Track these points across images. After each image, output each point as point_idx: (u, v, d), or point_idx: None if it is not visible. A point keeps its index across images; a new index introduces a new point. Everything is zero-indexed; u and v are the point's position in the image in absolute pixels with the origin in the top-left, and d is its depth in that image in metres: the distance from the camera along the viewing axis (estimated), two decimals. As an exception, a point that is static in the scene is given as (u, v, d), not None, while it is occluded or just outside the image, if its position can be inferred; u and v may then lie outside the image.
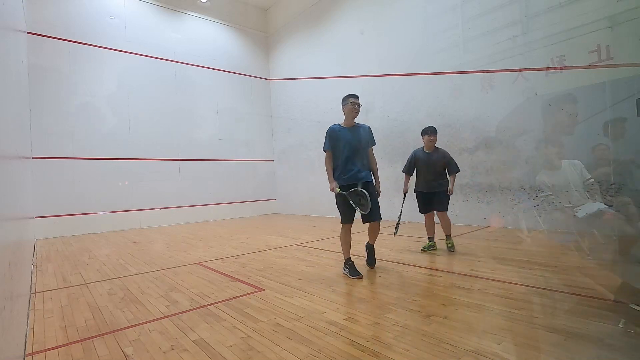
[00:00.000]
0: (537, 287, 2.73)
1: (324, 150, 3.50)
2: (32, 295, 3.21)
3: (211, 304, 2.71)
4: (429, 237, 4.32)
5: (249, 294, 2.94)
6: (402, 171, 4.31)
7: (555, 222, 5.10)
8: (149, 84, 8.80)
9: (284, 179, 11.01)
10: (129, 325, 2.37)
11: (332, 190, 3.38)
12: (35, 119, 7.10)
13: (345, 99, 3.46)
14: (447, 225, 4.17)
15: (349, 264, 3.38)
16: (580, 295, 2.52)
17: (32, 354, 2.02)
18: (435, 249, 4.23)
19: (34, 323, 2.51)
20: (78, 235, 7.47)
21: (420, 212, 4.30)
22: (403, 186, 4.26)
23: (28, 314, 2.70)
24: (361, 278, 3.21)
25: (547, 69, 4.99)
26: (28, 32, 6.99)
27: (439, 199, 4.12)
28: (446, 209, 4.14)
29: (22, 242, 3.05)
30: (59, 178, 7.41)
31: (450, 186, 4.08)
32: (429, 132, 4.14)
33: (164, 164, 8.96)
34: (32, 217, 6.48)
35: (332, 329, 2.14)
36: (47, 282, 3.63)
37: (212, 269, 3.89)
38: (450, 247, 4.15)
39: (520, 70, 5.32)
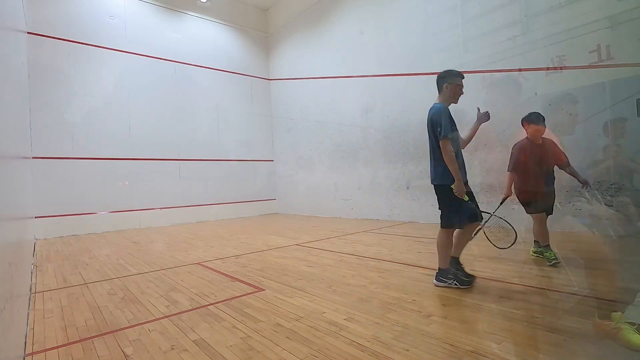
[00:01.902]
0: (537, 287, 2.73)
1: (445, 136, 2.61)
2: (32, 295, 3.21)
3: (211, 304, 2.71)
4: (536, 243, 3.56)
5: (249, 294, 2.94)
6: (508, 170, 3.53)
7: (555, 223, 5.10)
8: (149, 84, 8.80)
9: (284, 179, 11.01)
10: (129, 325, 2.37)
11: (460, 195, 2.63)
12: (35, 119, 7.10)
13: (450, 76, 2.75)
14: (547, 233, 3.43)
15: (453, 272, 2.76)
16: (580, 295, 2.52)
17: (32, 354, 2.02)
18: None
19: (34, 323, 2.50)
20: (78, 235, 7.47)
21: (533, 213, 3.53)
22: (506, 189, 3.58)
23: (28, 314, 2.70)
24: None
25: (547, 69, 4.98)
26: (28, 32, 6.99)
27: (551, 200, 3.50)
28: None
29: (22, 242, 3.06)
30: (59, 178, 7.41)
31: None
32: (538, 120, 3.29)
33: (163, 164, 8.97)
34: (32, 217, 6.48)
35: (332, 329, 2.13)
36: (47, 282, 3.63)
37: (212, 269, 3.89)
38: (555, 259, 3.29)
39: (520, 70, 5.32)
